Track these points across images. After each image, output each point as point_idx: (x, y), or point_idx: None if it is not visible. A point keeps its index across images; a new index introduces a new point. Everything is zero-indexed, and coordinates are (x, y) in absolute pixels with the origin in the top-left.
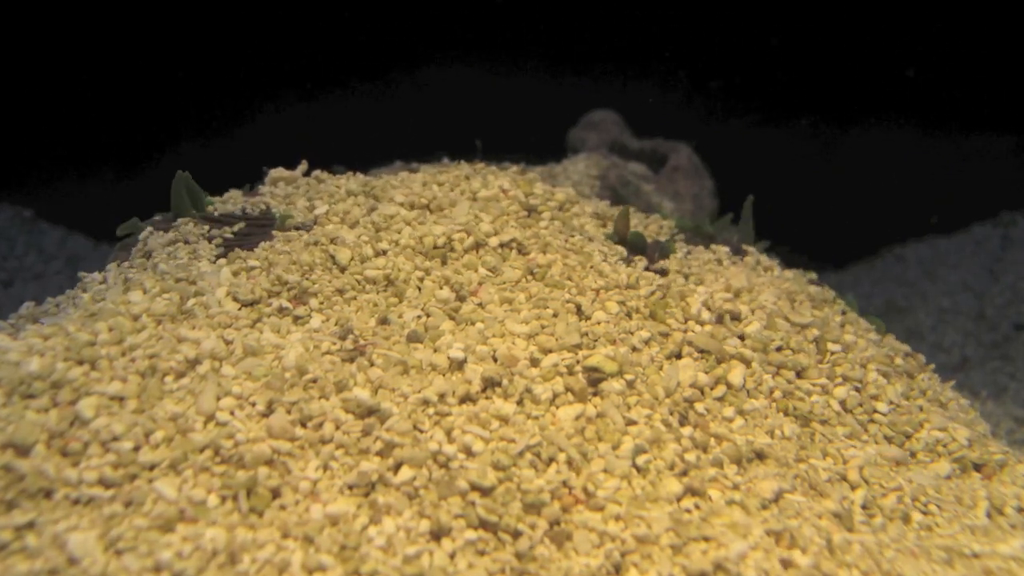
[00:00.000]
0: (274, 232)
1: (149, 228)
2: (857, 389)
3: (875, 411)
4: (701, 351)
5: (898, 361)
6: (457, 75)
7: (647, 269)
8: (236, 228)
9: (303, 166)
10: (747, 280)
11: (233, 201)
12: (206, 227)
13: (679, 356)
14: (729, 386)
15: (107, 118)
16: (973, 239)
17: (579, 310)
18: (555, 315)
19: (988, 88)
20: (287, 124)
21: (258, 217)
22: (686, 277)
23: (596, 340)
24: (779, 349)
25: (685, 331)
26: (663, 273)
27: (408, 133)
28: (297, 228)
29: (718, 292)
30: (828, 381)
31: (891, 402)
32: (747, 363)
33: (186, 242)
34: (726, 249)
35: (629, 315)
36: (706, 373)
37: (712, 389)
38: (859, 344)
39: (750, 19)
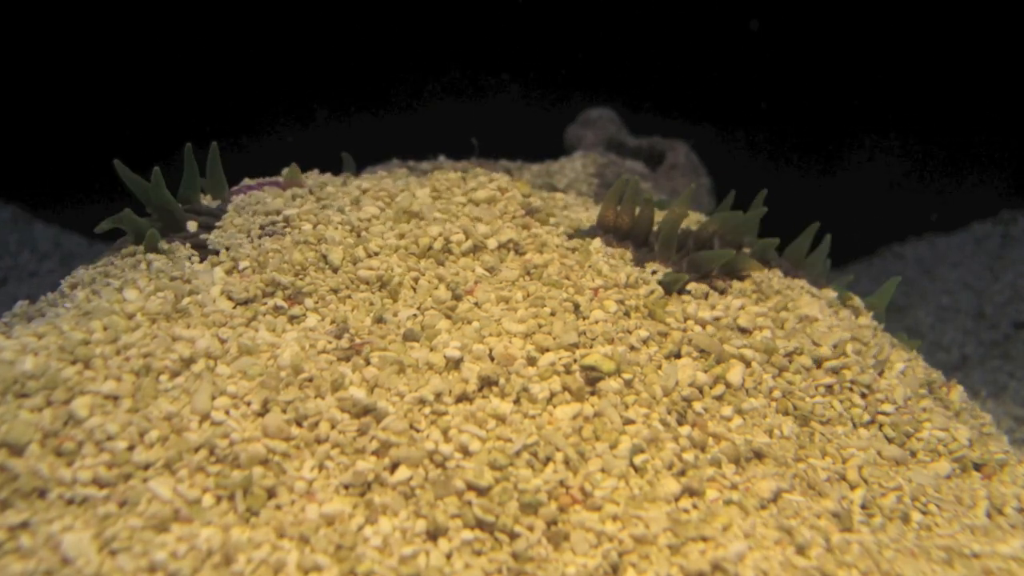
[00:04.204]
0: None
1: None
2: (863, 395)
3: (879, 412)
4: (700, 351)
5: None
6: (455, 77)
7: (711, 287)
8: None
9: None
10: (819, 311)
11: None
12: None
13: (678, 355)
14: (728, 385)
15: (106, 118)
16: (973, 237)
17: (577, 309)
18: (552, 314)
19: (989, 87)
20: (288, 128)
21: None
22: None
23: (594, 339)
24: (787, 355)
25: (684, 330)
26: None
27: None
28: (264, 237)
29: (750, 306)
30: (835, 382)
31: (895, 402)
32: (747, 363)
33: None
34: (834, 295)
35: (627, 314)
36: (705, 372)
37: (711, 388)
38: (886, 348)
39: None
